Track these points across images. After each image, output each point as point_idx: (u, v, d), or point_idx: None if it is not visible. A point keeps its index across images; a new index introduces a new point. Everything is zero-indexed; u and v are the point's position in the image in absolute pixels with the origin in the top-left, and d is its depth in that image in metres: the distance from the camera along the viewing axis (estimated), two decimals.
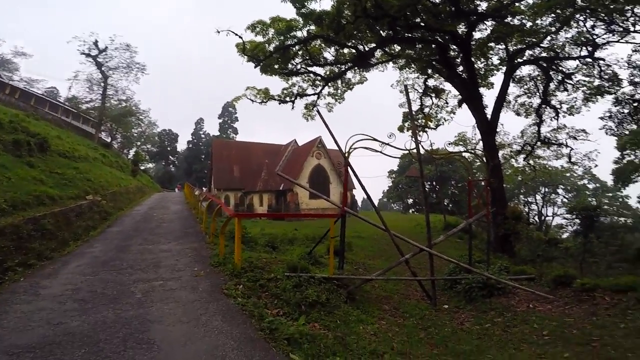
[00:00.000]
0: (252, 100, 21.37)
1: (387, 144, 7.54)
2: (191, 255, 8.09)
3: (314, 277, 6.65)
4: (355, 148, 7.46)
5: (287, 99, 21.59)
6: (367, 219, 7.99)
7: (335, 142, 7.47)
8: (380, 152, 7.91)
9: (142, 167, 46.30)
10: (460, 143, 30.09)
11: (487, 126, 17.97)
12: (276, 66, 19.42)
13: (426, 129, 21.05)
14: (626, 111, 17.19)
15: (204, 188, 48.48)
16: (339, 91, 23.18)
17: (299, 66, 20.06)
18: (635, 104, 16.68)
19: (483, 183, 10.23)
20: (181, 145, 71.77)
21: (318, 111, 7.63)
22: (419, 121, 21.61)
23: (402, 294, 8.53)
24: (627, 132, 18.70)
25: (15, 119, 16.47)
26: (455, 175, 38.71)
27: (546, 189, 38.43)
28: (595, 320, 5.65)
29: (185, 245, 9.08)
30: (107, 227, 12.11)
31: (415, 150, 7.88)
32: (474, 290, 7.48)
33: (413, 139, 8.08)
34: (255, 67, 18.82)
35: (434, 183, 41.31)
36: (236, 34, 17.35)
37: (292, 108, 21.63)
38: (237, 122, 69.82)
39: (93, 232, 11.02)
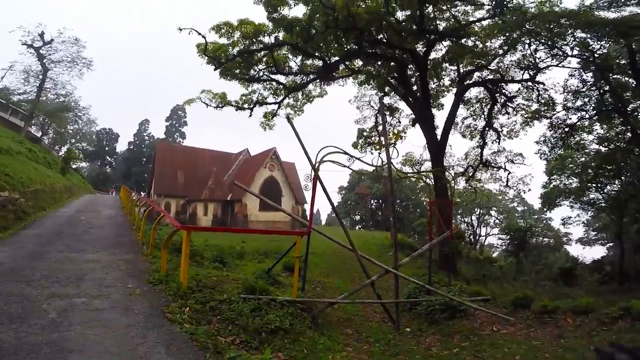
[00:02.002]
0: (207, 105, 20.09)
1: (358, 159, 7.02)
2: (124, 268, 6.69)
3: (275, 299, 5.79)
4: (324, 161, 6.79)
5: (245, 105, 20.57)
6: (334, 239, 7.33)
7: (306, 153, 6.72)
8: (348, 167, 7.36)
9: (74, 166, 41.65)
10: (407, 163, 30.87)
11: (437, 147, 18.22)
12: (237, 71, 18.52)
13: (395, 147, 21.09)
14: (558, 136, 18.01)
15: (142, 193, 44.69)
16: (299, 103, 22.61)
17: (261, 73, 19.27)
18: (567, 129, 17.52)
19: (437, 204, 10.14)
20: (122, 147, 66.46)
21: (289, 119, 6.88)
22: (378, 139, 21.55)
23: (361, 315, 8.05)
24: (557, 158, 19.96)
25: None
26: (400, 195, 39.77)
27: (481, 210, 40.98)
28: (564, 343, 5.51)
29: (118, 256, 7.58)
30: (22, 228, 10.11)
31: (380, 167, 7.43)
32: (436, 312, 7.22)
33: (380, 155, 7.69)
34: (215, 69, 17.75)
35: (380, 201, 42.11)
36: (199, 33, 16.24)
37: (250, 115, 20.62)
38: (186, 127, 65.96)
39: (2, 233, 9.04)
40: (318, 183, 6.72)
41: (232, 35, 16.56)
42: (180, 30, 15.62)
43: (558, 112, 17.83)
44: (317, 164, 6.64)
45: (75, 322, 4.12)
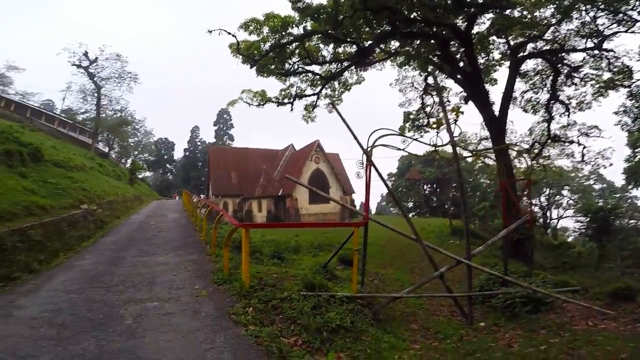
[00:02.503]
0: (249, 104, 20.33)
1: (415, 139, 6.57)
2: (191, 269, 7.02)
3: (335, 296, 5.66)
4: (377, 145, 6.43)
5: (285, 100, 20.58)
6: (395, 228, 6.94)
7: (355, 137, 6.42)
8: (402, 150, 6.90)
9: (140, 176, 45.10)
10: (462, 144, 29.03)
11: (496, 123, 16.85)
12: (272, 66, 18.40)
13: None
14: None
15: (201, 195, 47.39)
16: (337, 92, 22.15)
17: (296, 65, 19.08)
18: None
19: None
20: (178, 154, 70.49)
21: (334, 105, 6.64)
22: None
23: (425, 309, 7.60)
24: None
25: (7, 130, 15.73)
26: (457, 177, 37.33)
27: (551, 190, 37.23)
28: None
29: (184, 257, 8.01)
30: (101, 236, 11.20)
31: (441, 147, 6.83)
32: (516, 306, 6.48)
33: (438, 134, 7.08)
34: (251, 67, 17.81)
35: (435, 186, 40.28)
36: (229, 33, 16.34)
37: (292, 110, 20.52)
38: (233, 129, 68.42)
39: (86, 242, 10.11)
40: (372, 169, 6.38)
41: (261, 31, 16.43)
42: (210, 32, 15.90)
43: (638, 79, 15.61)
44: (369, 149, 6.31)
45: (148, 327, 4.33)
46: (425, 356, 5.07)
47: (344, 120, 6.48)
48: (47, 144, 20.44)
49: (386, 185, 7.03)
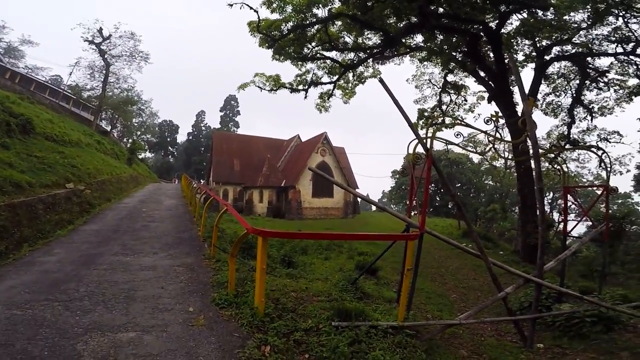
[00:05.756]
0: (261, 88, 19.05)
1: (485, 132, 4.95)
2: (184, 278, 5.29)
3: (377, 326, 4.08)
4: (435, 137, 4.79)
5: (300, 87, 19.16)
6: (453, 242, 5.35)
7: (409, 123, 4.77)
8: (457, 145, 5.27)
9: (140, 156, 42.99)
10: (470, 145, 27.90)
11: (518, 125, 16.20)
12: (290, 50, 16.96)
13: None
14: None
15: (202, 181, 45.51)
16: (350, 85, 20.92)
17: (314, 51, 17.63)
18: None
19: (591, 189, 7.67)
20: (181, 137, 68.41)
21: (381, 79, 4.91)
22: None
23: (465, 328, 6.04)
24: None
25: (1, 100, 14.05)
26: (461, 178, 35.76)
27: (554, 194, 35.78)
28: None
29: (177, 260, 6.27)
30: (83, 223, 9.47)
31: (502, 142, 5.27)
32: (584, 325, 5.46)
33: (497, 125, 5.45)
34: (269, 48, 16.44)
35: (438, 185, 38.83)
36: (251, 8, 14.94)
37: (305, 97, 19.26)
38: (239, 116, 66.56)
39: (62, 230, 8.37)
40: (434, 166, 4.78)
41: (284, 10, 15.11)
42: (231, 5, 14.36)
43: None
44: (427, 139, 4.70)
45: None
46: None
47: (395, 100, 4.82)
48: (43, 117, 18.68)
49: (448, 187, 5.39)
